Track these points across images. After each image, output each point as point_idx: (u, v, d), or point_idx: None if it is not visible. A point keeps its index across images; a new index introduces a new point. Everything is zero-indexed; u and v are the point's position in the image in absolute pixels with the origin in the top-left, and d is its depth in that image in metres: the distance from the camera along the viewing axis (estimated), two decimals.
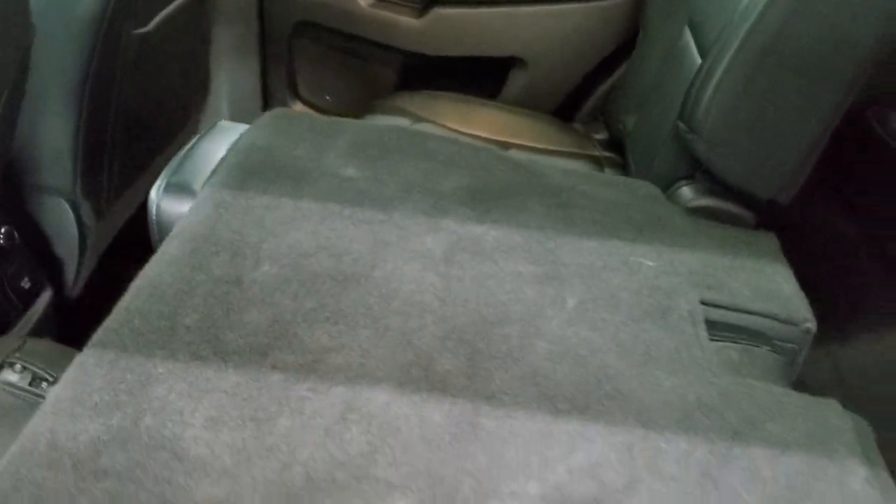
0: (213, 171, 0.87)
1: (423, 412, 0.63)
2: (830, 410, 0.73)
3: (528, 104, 1.57)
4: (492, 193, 0.94)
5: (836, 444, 0.69)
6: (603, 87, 1.59)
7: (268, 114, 1.01)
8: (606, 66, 1.56)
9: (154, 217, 0.85)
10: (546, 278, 0.82)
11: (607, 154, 1.44)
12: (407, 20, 1.52)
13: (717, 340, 0.82)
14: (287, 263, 0.75)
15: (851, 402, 1.21)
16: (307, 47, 1.63)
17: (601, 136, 1.52)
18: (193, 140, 0.95)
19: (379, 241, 0.81)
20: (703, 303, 0.83)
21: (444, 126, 1.36)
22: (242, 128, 0.97)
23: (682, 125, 1.04)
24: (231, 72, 1.60)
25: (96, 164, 1.13)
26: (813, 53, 0.91)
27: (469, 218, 0.88)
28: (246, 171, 0.87)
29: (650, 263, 0.87)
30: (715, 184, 1.05)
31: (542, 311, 0.77)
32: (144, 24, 1.13)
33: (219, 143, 0.94)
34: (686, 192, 1.07)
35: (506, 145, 1.35)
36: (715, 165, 1.02)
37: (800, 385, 1.25)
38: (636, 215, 0.96)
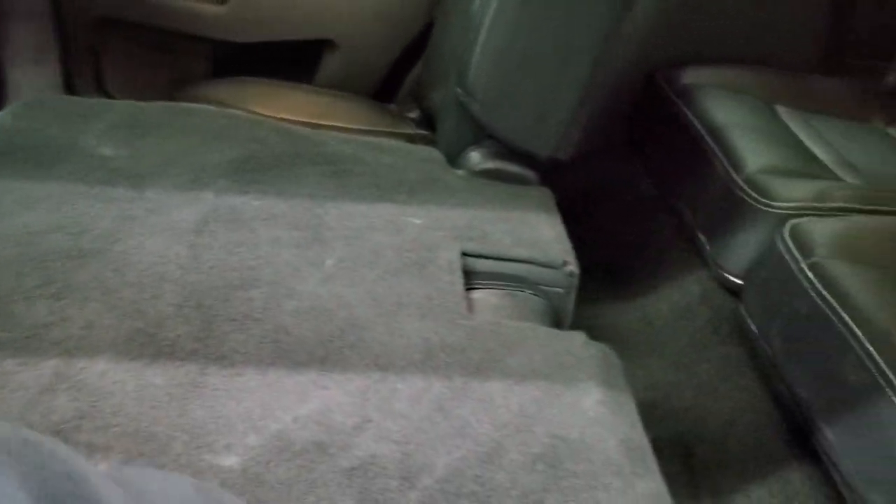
0: None
1: (144, 376, 0.61)
2: (574, 342, 0.75)
3: (344, 87, 1.57)
4: (262, 164, 0.93)
5: (574, 371, 0.71)
6: (417, 67, 1.60)
7: (21, 102, 0.96)
8: (419, 45, 1.58)
9: None
10: (307, 242, 0.82)
11: (421, 132, 1.45)
12: (211, 7, 1.49)
13: (480, 288, 0.84)
14: (17, 243, 0.72)
15: (658, 342, 1.27)
16: (112, 44, 1.57)
17: (416, 114, 1.53)
18: None
19: (126, 216, 0.79)
20: (465, 253, 0.85)
21: (252, 112, 1.34)
22: None
23: (459, 90, 1.06)
24: (29, 74, 1.52)
25: None
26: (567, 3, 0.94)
27: (229, 189, 0.87)
28: None
29: (417, 221, 0.88)
30: (499, 146, 1.07)
31: (297, 273, 0.77)
32: None
33: None
34: (474, 156, 1.09)
35: (317, 127, 1.34)
36: (492, 126, 1.05)
37: (612, 329, 1.31)
38: (410, 177, 0.97)
